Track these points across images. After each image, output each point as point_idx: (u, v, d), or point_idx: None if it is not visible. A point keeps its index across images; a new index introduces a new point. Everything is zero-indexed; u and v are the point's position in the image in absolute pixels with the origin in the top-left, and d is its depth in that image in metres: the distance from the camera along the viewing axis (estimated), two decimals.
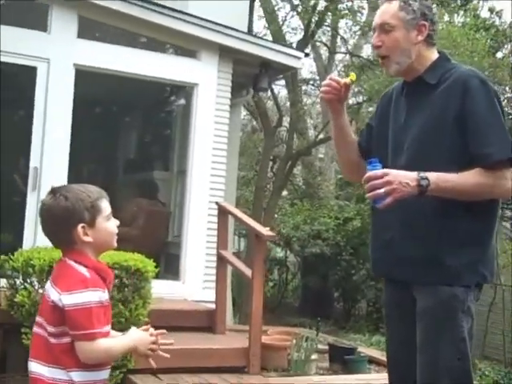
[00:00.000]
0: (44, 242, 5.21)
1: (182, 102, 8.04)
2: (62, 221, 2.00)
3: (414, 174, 2.26)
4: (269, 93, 12.07)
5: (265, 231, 5.19)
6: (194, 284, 6.32)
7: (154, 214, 7.52)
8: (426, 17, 2.47)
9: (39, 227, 6.10)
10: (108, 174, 8.98)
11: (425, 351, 2.34)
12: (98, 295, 1.96)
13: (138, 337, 2.06)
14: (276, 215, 12.64)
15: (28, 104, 6.11)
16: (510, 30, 10.56)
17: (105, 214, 2.05)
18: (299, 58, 7.56)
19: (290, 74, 10.43)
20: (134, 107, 8.55)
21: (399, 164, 2.41)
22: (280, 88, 15.12)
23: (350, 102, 12.98)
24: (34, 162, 5.99)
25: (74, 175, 7.89)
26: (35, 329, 2.01)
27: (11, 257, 4.56)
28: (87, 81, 6.93)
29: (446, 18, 11.19)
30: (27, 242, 5.66)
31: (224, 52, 6.83)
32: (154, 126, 9.42)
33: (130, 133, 9.51)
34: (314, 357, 5.50)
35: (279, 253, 13.92)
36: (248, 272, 5.25)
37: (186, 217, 6.55)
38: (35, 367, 1.98)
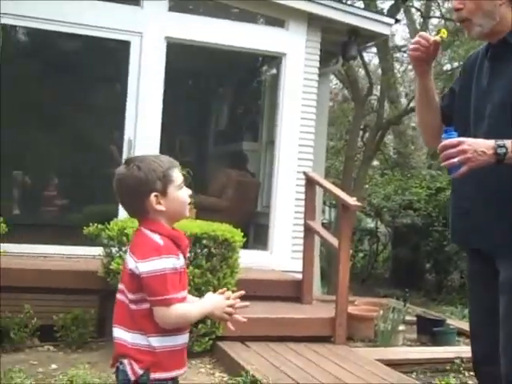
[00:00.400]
0: None
1: (271, 72, 8.05)
2: (135, 190, 2.04)
3: (491, 142, 2.17)
4: (360, 61, 11.90)
5: (352, 201, 5.17)
6: (281, 254, 6.40)
7: (243, 184, 7.62)
8: None
9: None
10: (199, 146, 9.17)
11: (507, 324, 2.29)
12: (172, 262, 2.00)
13: (214, 301, 2.10)
14: (367, 185, 12.52)
15: (123, 77, 6.30)
16: None
17: (176, 184, 2.07)
18: (389, 25, 7.38)
19: (382, 41, 10.20)
20: (224, 78, 8.65)
21: (481, 131, 2.34)
22: (372, 56, 14.84)
23: (444, 68, 12.58)
24: (128, 133, 6.20)
25: (167, 147, 8.14)
26: (118, 296, 2.08)
27: (107, 226, 4.77)
28: (178, 53, 7.08)
29: None
30: (122, 212, 5.87)
31: (312, 20, 6.77)
32: (243, 96, 9.50)
33: (219, 104, 9.63)
34: (401, 328, 5.47)
35: (370, 223, 13.79)
36: (335, 242, 5.26)
37: (275, 187, 6.60)
38: (118, 333, 2.06)
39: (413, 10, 14.14)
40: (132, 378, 2.01)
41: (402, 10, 13.39)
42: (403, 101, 13.70)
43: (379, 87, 11.88)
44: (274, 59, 7.23)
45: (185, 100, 8.65)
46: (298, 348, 4.77)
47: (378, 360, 4.66)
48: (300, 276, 5.78)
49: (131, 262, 2.01)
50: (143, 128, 6.17)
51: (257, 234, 7.31)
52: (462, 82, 2.58)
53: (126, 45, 6.24)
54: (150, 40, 6.22)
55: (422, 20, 14.08)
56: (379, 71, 13.29)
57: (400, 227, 12.10)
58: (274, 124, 6.86)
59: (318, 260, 8.00)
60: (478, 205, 2.37)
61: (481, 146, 2.16)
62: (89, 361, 4.42)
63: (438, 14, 13.60)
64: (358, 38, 7.27)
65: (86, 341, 4.85)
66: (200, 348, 4.57)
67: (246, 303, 2.16)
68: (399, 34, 17.30)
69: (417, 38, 2.43)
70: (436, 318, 6.00)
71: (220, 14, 6.69)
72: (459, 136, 2.22)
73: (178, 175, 2.09)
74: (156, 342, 2.01)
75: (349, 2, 11.72)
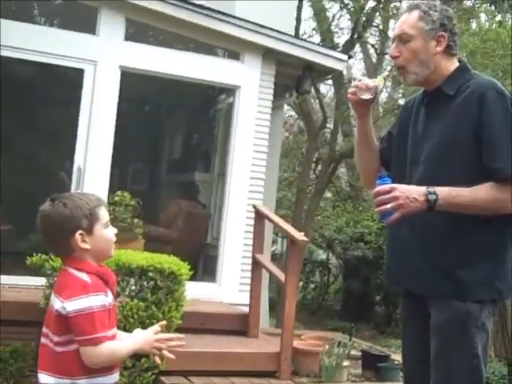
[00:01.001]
0: None
1: (226, 103, 8.10)
2: (60, 228, 2.01)
3: (422, 189, 2.24)
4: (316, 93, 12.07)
5: (299, 236, 5.19)
6: (229, 286, 6.38)
7: (194, 215, 7.60)
8: (445, 27, 2.44)
9: None
10: (151, 175, 9.14)
11: (438, 367, 2.33)
12: (101, 299, 1.98)
13: (142, 338, 2.09)
14: (319, 217, 12.61)
15: (76, 104, 6.25)
16: None
17: (103, 222, 2.07)
18: (343, 61, 7.52)
19: (337, 75, 10.37)
20: (178, 109, 8.67)
21: (416, 176, 2.40)
22: (329, 87, 15.06)
23: (398, 102, 12.83)
24: (78, 161, 6.13)
25: (118, 175, 8.08)
26: (42, 340, 2.04)
27: (51, 257, 4.69)
28: (133, 82, 7.06)
29: (499, 17, 10.97)
30: None
31: (267, 54, 6.86)
32: (197, 127, 9.53)
33: (173, 134, 9.64)
34: (345, 363, 5.48)
35: (321, 255, 13.89)
36: (282, 277, 5.26)
37: (225, 219, 6.60)
38: (43, 379, 2.02)
39: (368, 45, 14.48)
40: None
41: (359, 45, 13.70)
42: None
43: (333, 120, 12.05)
44: (229, 91, 7.29)
45: (138, 129, 8.63)
46: (241, 383, 4.73)
47: None
48: (247, 309, 5.76)
49: (57, 303, 1.98)
50: (94, 156, 6.12)
51: (206, 266, 7.29)
52: (399, 126, 2.65)
53: (80, 72, 6.21)
54: (104, 68, 6.20)
55: (377, 56, 14.40)
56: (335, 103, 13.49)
57: (351, 259, 12.23)
58: (226, 155, 6.89)
59: (267, 292, 8.00)
60: (410, 248, 2.41)
61: (413, 192, 2.23)
62: None
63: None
64: (311, 72, 7.38)
65: (25, 374, 4.72)
66: (142, 383, 4.50)
67: (182, 342, 2.16)
68: (356, 66, 17.61)
69: (356, 83, 2.50)
70: (381, 354, 6.04)
71: (176, 45, 6.73)
72: (394, 182, 2.28)
73: (104, 213, 2.09)
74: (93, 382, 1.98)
75: (305, 36, 11.94)
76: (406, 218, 2.28)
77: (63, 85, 7.32)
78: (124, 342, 2.07)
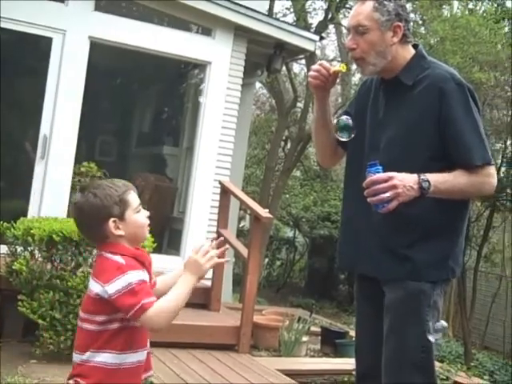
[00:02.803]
0: (48, 212, 5.38)
1: (196, 78, 8.09)
2: (93, 217, 2.05)
3: (415, 177, 2.25)
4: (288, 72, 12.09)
5: (263, 213, 5.26)
6: None
7: (161, 189, 7.61)
8: (400, 17, 2.44)
9: (45, 197, 6.23)
10: (119, 147, 9.08)
11: (390, 344, 2.40)
12: (137, 274, 2.01)
13: (192, 269, 2.07)
14: (287, 195, 12.70)
15: (43, 73, 6.19)
16: None
17: (133, 207, 2.09)
18: (314, 41, 7.54)
19: (309, 55, 10.39)
20: (148, 82, 8.61)
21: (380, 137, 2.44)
22: (303, 67, 15.08)
23: None
24: (44, 130, 6.10)
25: (86, 146, 8.04)
26: (79, 323, 2.09)
27: (13, 224, 4.69)
28: (103, 53, 7.01)
29: (470, 5, 11.06)
30: (32, 211, 5.79)
31: (239, 31, 6.84)
32: (167, 101, 9.48)
33: (143, 107, 9.57)
34: (304, 339, 5.60)
35: (288, 233, 14.00)
36: (245, 252, 5.34)
37: (191, 193, 6.62)
38: (76, 357, 2.06)
39: (342, 27, 14.49)
40: None
41: (333, 25, 13.70)
42: None
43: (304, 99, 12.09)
44: (200, 66, 7.27)
45: (108, 101, 8.56)
46: (201, 355, 4.81)
47: (279, 370, 4.76)
48: (210, 283, 5.83)
49: (97, 287, 2.02)
50: (60, 125, 6.06)
51: (171, 239, 7.32)
52: (356, 106, 2.66)
53: (48, 41, 6.15)
54: (72, 38, 6.13)
55: None
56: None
57: (317, 238, 12.37)
58: (194, 130, 6.90)
59: (231, 267, 8.07)
60: (364, 232, 2.46)
61: (409, 181, 2.23)
62: None
63: None
64: (283, 51, 7.40)
65: None
66: None
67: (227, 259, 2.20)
68: (329, 47, 17.61)
69: (317, 67, 2.49)
70: (339, 330, 6.18)
71: (147, 18, 6.68)
72: (351, 164, 2.30)
73: (134, 198, 2.11)
74: (111, 359, 2.02)
75: (279, 15, 11.92)
76: (359, 200, 2.31)
77: (32, 54, 7.23)
78: (176, 289, 2.04)
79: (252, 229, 5.57)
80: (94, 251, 4.61)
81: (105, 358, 2.01)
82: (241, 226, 13.19)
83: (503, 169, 8.84)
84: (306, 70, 13.95)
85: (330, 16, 11.02)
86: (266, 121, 14.69)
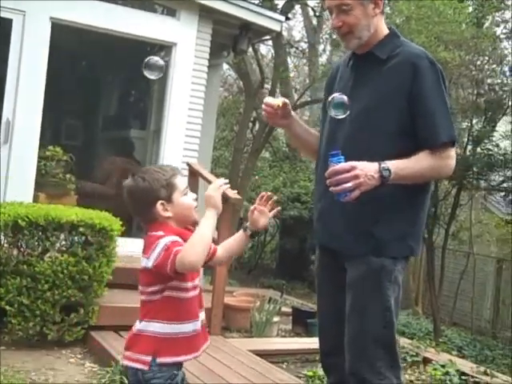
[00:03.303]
0: (14, 197, 5.29)
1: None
2: (142, 200, 2.20)
3: (375, 166, 2.27)
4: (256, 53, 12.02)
5: (232, 194, 5.22)
6: None
7: (128, 172, 7.48)
8: None
9: (10, 181, 6.10)
10: (86, 131, 8.95)
11: (352, 319, 2.43)
12: (172, 238, 2.14)
13: (207, 206, 2.19)
14: (256, 177, 12.69)
15: (3, 56, 6.06)
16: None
17: (180, 190, 2.23)
18: (280, 21, 7.50)
19: (275, 36, 10.36)
20: (113, 64, 8.48)
21: (342, 135, 2.46)
22: (270, 48, 15.03)
23: None
24: (6, 113, 5.97)
25: (51, 130, 7.91)
26: (140, 297, 2.24)
27: None
28: (66, 35, 6.87)
29: None
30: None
31: (204, 12, 6.77)
32: (133, 83, 9.36)
33: (108, 90, 9.45)
34: (275, 319, 5.62)
35: None
36: (214, 234, 5.30)
37: None
38: (139, 325, 2.21)
39: (308, 8, 14.45)
40: (139, 366, 2.14)
41: (299, 7, 13.68)
42: (294, 95, 13.98)
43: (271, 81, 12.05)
44: (165, 48, 7.18)
45: (74, 84, 8.41)
46: None
47: (251, 350, 4.77)
48: None
49: (143, 261, 2.17)
50: (23, 109, 5.95)
51: (140, 222, 7.25)
52: (325, 92, 2.71)
53: (8, 23, 6.01)
54: (33, 19, 6.00)
55: (316, 18, 14.40)
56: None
57: (287, 219, 12.39)
58: (161, 113, 6.83)
59: None
60: (328, 207, 2.48)
61: (370, 170, 2.25)
62: None
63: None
64: (249, 32, 7.35)
65: None
66: (71, 338, 4.51)
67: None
68: (296, 28, 17.57)
69: (263, 107, 2.56)
70: (310, 310, 6.21)
71: None
72: (326, 146, 2.30)
73: (181, 182, 2.27)
74: (167, 328, 2.16)
75: None
76: (324, 178, 2.32)
77: None
78: (201, 226, 2.15)
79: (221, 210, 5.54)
80: (62, 236, 4.57)
81: (155, 327, 2.16)
82: None
83: (469, 147, 8.95)
84: (273, 51, 13.90)
85: None
86: (234, 102, 14.63)
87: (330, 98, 2.34)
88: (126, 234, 5.19)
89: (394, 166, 2.28)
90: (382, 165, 2.26)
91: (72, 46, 7.84)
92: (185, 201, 2.24)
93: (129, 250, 5.69)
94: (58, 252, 4.51)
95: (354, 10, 2.43)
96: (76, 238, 4.58)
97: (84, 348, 4.58)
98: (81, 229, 4.54)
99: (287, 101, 2.56)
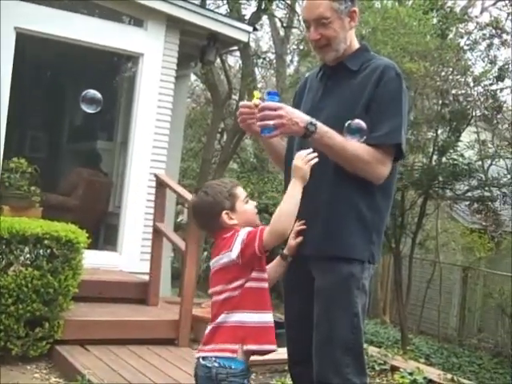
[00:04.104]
0: None
1: (128, 71, 7.95)
2: (208, 213, 2.33)
3: (306, 117, 2.35)
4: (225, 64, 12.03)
5: None
6: (130, 255, 6.32)
7: (95, 184, 7.47)
8: (353, 2, 2.53)
9: None
10: (52, 142, 8.86)
11: (321, 327, 2.43)
12: (247, 228, 2.26)
13: (294, 176, 2.27)
14: None
15: None
16: (460, 11, 10.70)
17: (242, 199, 2.36)
18: (248, 32, 7.54)
19: (243, 47, 10.38)
20: (80, 75, 8.41)
21: (311, 145, 2.47)
22: (237, 59, 15.05)
23: None
24: None
25: (15, 141, 7.81)
26: (214, 298, 2.31)
27: None
28: (32, 45, 6.81)
29: None
30: None
31: (171, 22, 6.77)
32: (100, 94, 9.30)
33: (75, 101, 9.35)
34: None
35: None
36: (183, 246, 5.28)
37: (126, 188, 6.53)
38: (222, 317, 2.25)
39: (276, 19, 14.53)
40: (227, 354, 2.20)
41: (266, 17, 13.72)
42: None
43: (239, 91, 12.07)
44: (133, 58, 7.15)
45: (39, 95, 8.33)
46: (139, 351, 4.73)
47: None
48: (148, 278, 5.75)
49: (225, 257, 2.25)
50: None
51: (107, 235, 7.20)
52: (294, 103, 2.72)
53: None
54: None
55: (283, 29, 14.48)
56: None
57: None
58: (128, 124, 6.78)
59: (169, 261, 8.01)
60: (299, 214, 2.48)
61: (297, 117, 2.33)
62: None
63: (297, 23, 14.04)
64: (216, 43, 7.36)
65: None
66: (36, 352, 4.42)
67: None
68: (264, 39, 17.64)
69: (240, 110, 2.54)
70: (279, 320, 6.18)
71: (78, 9, 6.52)
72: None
73: (241, 192, 2.38)
74: (255, 317, 2.23)
75: (212, 7, 11.85)
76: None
77: None
78: (285, 196, 2.27)
79: (189, 222, 5.52)
80: (26, 249, 4.49)
81: (240, 317, 2.22)
82: (179, 219, 13.09)
83: (435, 157, 9.07)
84: (240, 61, 13.93)
85: (263, 7, 11.01)
86: (202, 113, 14.61)
87: (346, 124, 2.35)
88: (93, 246, 5.14)
89: (325, 130, 2.35)
90: (312, 120, 2.34)
91: (37, 57, 7.77)
92: (247, 208, 2.36)
93: (95, 262, 5.65)
94: (22, 265, 4.42)
95: (332, 23, 2.47)
96: (41, 251, 4.51)
97: (49, 363, 4.50)
98: (46, 241, 4.47)
99: (259, 100, 2.53)
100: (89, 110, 2.61)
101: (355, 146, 2.36)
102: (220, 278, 2.29)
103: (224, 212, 2.30)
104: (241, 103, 2.58)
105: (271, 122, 2.29)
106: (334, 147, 2.36)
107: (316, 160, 2.28)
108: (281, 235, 2.21)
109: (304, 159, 2.27)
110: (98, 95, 2.63)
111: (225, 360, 2.20)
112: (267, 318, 2.27)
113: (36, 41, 6.44)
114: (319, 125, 2.34)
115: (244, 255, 2.21)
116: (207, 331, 2.30)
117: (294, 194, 2.24)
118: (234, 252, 2.22)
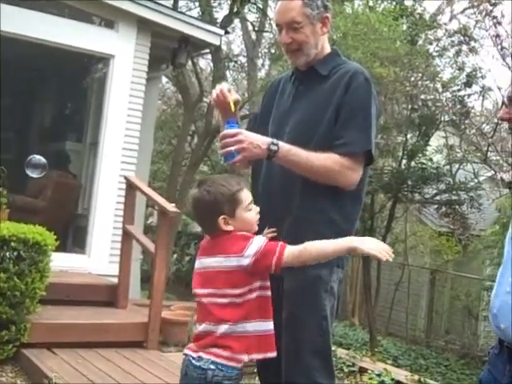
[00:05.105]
0: None
1: (99, 73, 7.90)
2: (205, 213, 2.24)
3: (267, 139, 2.38)
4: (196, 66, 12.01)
5: (170, 207, 5.20)
6: (99, 258, 6.28)
7: (64, 185, 7.39)
8: (327, 8, 2.55)
9: None
10: (20, 143, 8.75)
11: (289, 329, 2.44)
12: (260, 238, 2.18)
13: (361, 242, 2.13)
14: None
15: None
16: (429, 18, 10.82)
17: (244, 205, 2.22)
18: (219, 35, 7.55)
19: (214, 50, 10.38)
20: (49, 76, 8.35)
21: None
22: (209, 62, 15.03)
23: None
24: None
25: None
26: (208, 299, 2.18)
27: None
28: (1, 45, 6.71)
29: (371, 3, 11.36)
30: None
31: (142, 24, 6.75)
32: (69, 96, 9.21)
33: (43, 102, 9.27)
34: None
35: (197, 228, 13.93)
36: (152, 248, 5.27)
37: (96, 190, 6.49)
38: (221, 328, 2.15)
39: (248, 22, 14.55)
40: (233, 364, 2.13)
41: (238, 21, 13.73)
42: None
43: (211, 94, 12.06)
44: (103, 60, 7.11)
45: (6, 95, 8.21)
46: (108, 354, 4.70)
47: None
48: (116, 280, 5.72)
49: (231, 261, 2.15)
50: None
51: (75, 237, 7.13)
52: (265, 105, 2.76)
53: None
54: None
55: (255, 32, 14.50)
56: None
57: None
58: (98, 125, 6.74)
59: (139, 263, 7.96)
60: (266, 214, 2.49)
61: (258, 140, 2.36)
62: None
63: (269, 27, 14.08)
64: (188, 45, 7.36)
65: None
66: (2, 356, 4.36)
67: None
68: (236, 42, 17.64)
69: (216, 93, 2.47)
70: None
71: (49, 9, 6.46)
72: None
73: (246, 196, 2.24)
74: (264, 326, 2.18)
75: (184, 9, 11.83)
76: (270, 196, 2.44)
77: None
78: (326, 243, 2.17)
79: (159, 224, 5.51)
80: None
81: (248, 326, 2.15)
82: (149, 222, 13.03)
83: (404, 161, 9.17)
84: (212, 64, 13.92)
85: (235, 10, 11.03)
86: (173, 116, 14.55)
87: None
88: (61, 248, 5.09)
89: (288, 148, 2.37)
90: (274, 141, 2.37)
91: (5, 57, 7.66)
92: (248, 216, 2.24)
93: (63, 264, 5.60)
94: None
95: (303, 28, 2.50)
96: (8, 253, 4.44)
97: (15, 366, 4.44)
98: (13, 244, 4.42)
99: (239, 99, 2.51)
100: (33, 174, 2.61)
101: (321, 158, 2.38)
102: (221, 279, 2.18)
103: (221, 217, 2.19)
104: (221, 87, 2.47)
105: (232, 148, 2.31)
106: (300, 163, 2.38)
107: (390, 260, 2.11)
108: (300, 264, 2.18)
109: (381, 246, 2.11)
110: (43, 160, 2.62)
111: (222, 365, 2.15)
112: (270, 326, 2.23)
113: (4, 41, 6.36)
114: (281, 144, 2.37)
115: (257, 265, 2.13)
116: (201, 330, 2.20)
117: (334, 249, 2.15)
118: (247, 259, 2.12)
